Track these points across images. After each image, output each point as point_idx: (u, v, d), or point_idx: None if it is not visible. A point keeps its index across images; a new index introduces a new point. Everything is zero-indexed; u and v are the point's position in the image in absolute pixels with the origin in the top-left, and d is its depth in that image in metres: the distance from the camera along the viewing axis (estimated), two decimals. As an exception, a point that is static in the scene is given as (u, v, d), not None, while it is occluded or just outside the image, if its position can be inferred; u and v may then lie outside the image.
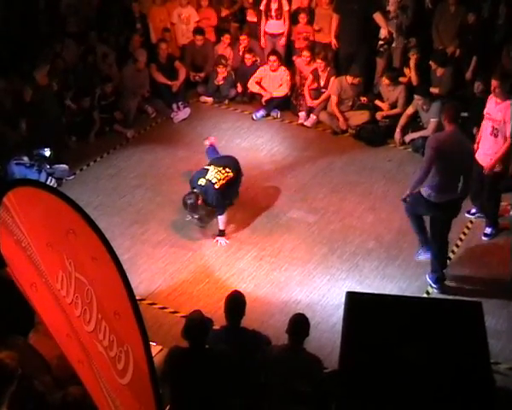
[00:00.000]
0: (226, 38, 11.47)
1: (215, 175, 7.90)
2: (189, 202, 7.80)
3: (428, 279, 7.22)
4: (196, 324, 5.16)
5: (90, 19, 11.16)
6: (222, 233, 7.96)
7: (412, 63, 10.26)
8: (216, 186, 7.83)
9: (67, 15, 10.94)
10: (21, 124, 9.07)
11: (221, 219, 7.92)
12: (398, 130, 9.85)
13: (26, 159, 8.69)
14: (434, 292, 7.14)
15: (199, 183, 7.88)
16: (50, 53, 9.88)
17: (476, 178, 7.51)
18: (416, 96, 9.54)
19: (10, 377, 4.06)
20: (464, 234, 8.02)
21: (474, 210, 8.19)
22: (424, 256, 7.39)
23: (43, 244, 4.10)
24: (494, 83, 7.50)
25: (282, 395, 5.22)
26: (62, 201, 3.85)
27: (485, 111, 7.70)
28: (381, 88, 10.37)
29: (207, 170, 7.99)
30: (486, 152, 7.61)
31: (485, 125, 7.66)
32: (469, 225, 8.17)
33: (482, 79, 8.70)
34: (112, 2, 11.53)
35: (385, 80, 10.18)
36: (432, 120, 9.23)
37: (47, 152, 8.85)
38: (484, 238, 7.97)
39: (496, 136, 7.53)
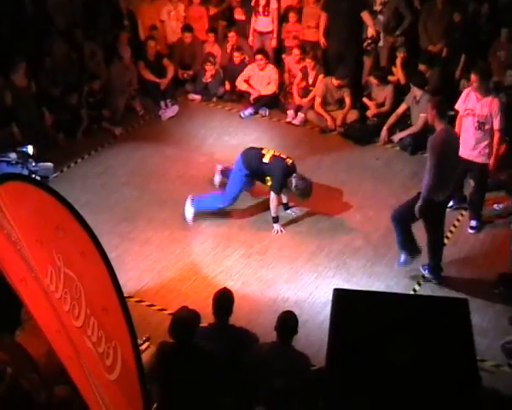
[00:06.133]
0: (211, 37, 11.48)
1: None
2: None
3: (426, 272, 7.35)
4: (181, 322, 5.15)
5: (77, 16, 11.13)
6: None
7: (399, 62, 10.32)
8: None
9: (54, 13, 10.90)
10: (13, 128, 9.02)
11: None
12: (384, 128, 9.87)
13: (12, 155, 8.60)
14: (421, 289, 7.21)
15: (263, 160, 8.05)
16: (22, 53, 9.65)
17: (461, 173, 7.62)
18: (412, 87, 9.54)
19: None
20: (451, 232, 8.06)
21: (452, 202, 8.11)
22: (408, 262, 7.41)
23: (32, 239, 4.10)
24: (473, 77, 7.59)
25: (269, 392, 5.22)
26: (52, 197, 3.86)
27: (463, 107, 7.74)
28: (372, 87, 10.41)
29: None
30: (475, 146, 7.67)
31: (468, 121, 7.70)
32: (456, 223, 8.22)
33: (468, 77, 8.74)
34: (99, 0, 11.50)
35: (373, 80, 10.21)
36: (421, 115, 9.23)
37: (30, 149, 8.76)
38: (470, 231, 8.06)
39: (483, 129, 7.61)
